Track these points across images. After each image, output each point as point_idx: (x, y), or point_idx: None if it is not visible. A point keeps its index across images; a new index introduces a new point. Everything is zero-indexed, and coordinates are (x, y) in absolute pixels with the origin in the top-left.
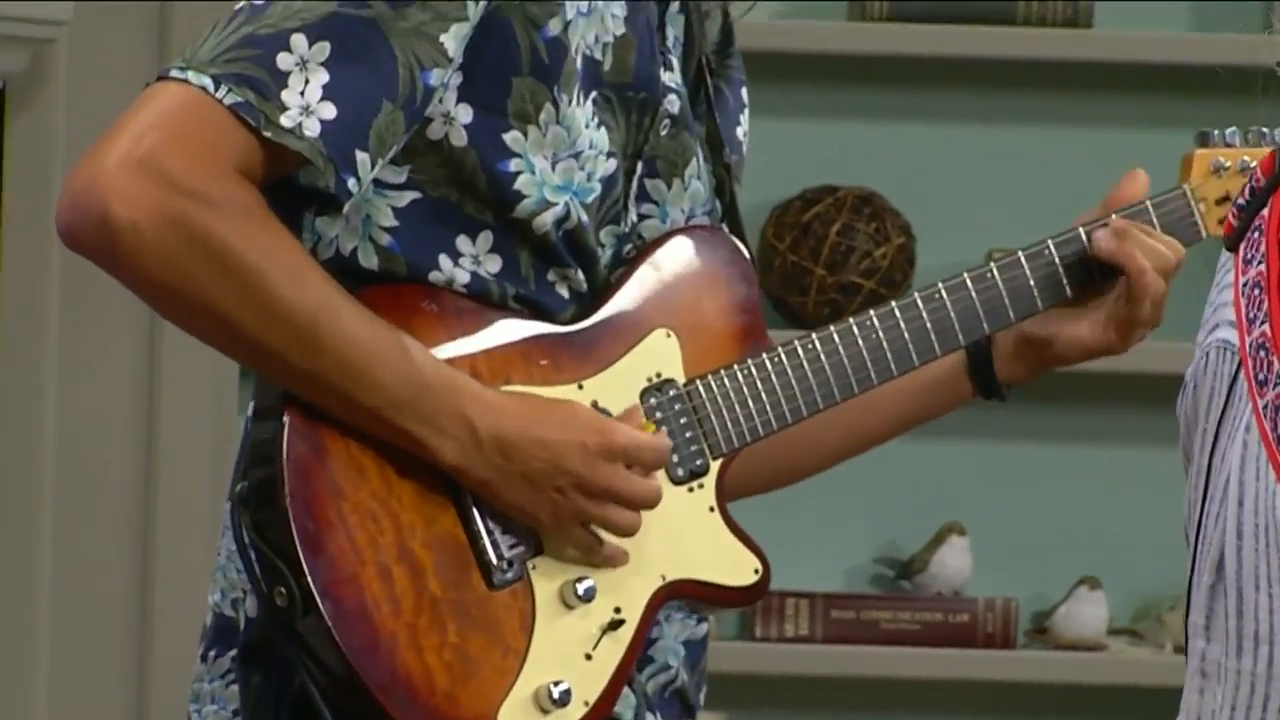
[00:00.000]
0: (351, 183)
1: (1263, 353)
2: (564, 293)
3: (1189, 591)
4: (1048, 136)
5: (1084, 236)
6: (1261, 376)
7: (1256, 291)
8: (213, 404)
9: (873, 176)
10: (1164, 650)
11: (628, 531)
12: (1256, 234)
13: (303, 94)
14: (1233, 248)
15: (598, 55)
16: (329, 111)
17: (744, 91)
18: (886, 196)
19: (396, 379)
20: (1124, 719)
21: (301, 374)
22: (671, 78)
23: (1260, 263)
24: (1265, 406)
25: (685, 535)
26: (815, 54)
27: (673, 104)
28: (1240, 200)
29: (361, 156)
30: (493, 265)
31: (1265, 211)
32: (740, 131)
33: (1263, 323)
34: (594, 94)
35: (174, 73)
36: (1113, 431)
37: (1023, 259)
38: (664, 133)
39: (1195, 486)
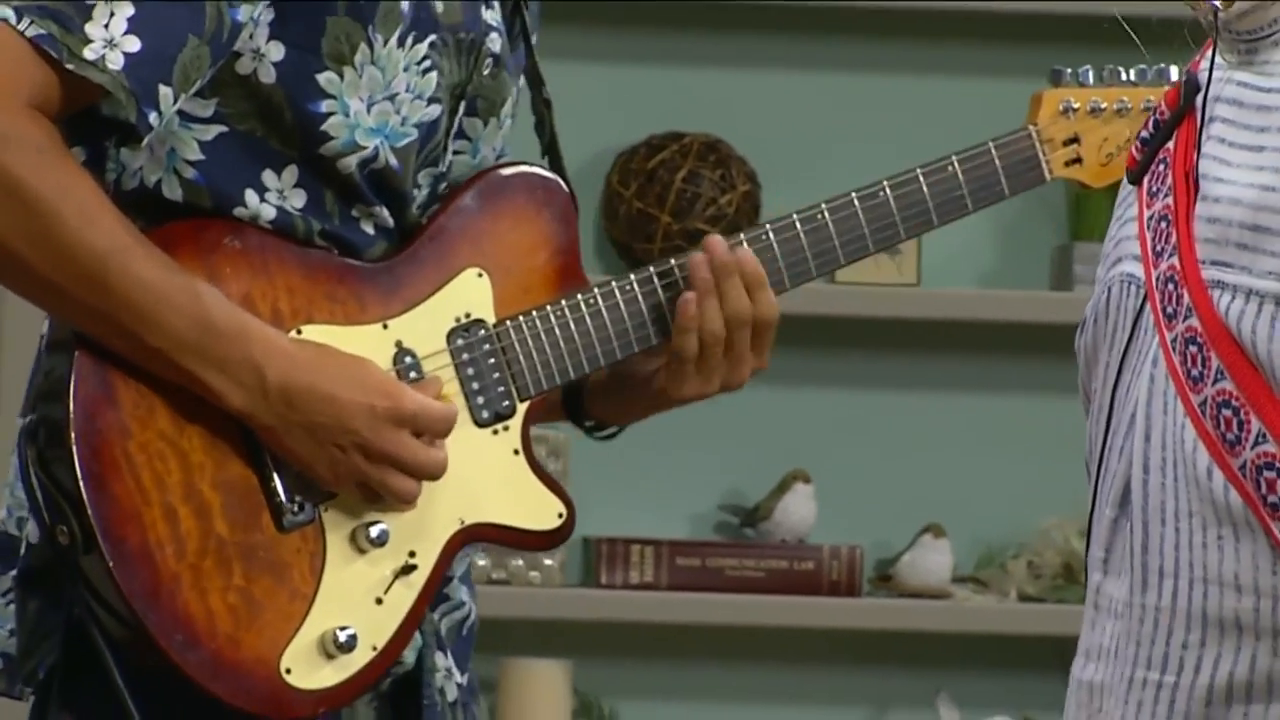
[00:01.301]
0: (153, 116)
1: (1171, 285)
2: (369, 229)
3: (1089, 525)
4: (894, 84)
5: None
6: (1170, 310)
7: (1163, 224)
8: None
9: (718, 123)
10: (1008, 598)
11: (405, 498)
12: (1161, 167)
13: (107, 27)
14: (1136, 181)
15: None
16: (133, 45)
17: (536, 11)
18: (732, 144)
19: (185, 322)
20: (968, 666)
21: (89, 313)
22: (492, 15)
23: (1167, 195)
24: (1174, 340)
25: (487, 478)
26: None
27: (494, 42)
28: (1144, 133)
29: (164, 90)
30: (298, 200)
31: (1170, 144)
32: None
33: (1170, 255)
34: (431, 38)
35: None
36: (958, 379)
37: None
38: (486, 72)
39: (1097, 421)
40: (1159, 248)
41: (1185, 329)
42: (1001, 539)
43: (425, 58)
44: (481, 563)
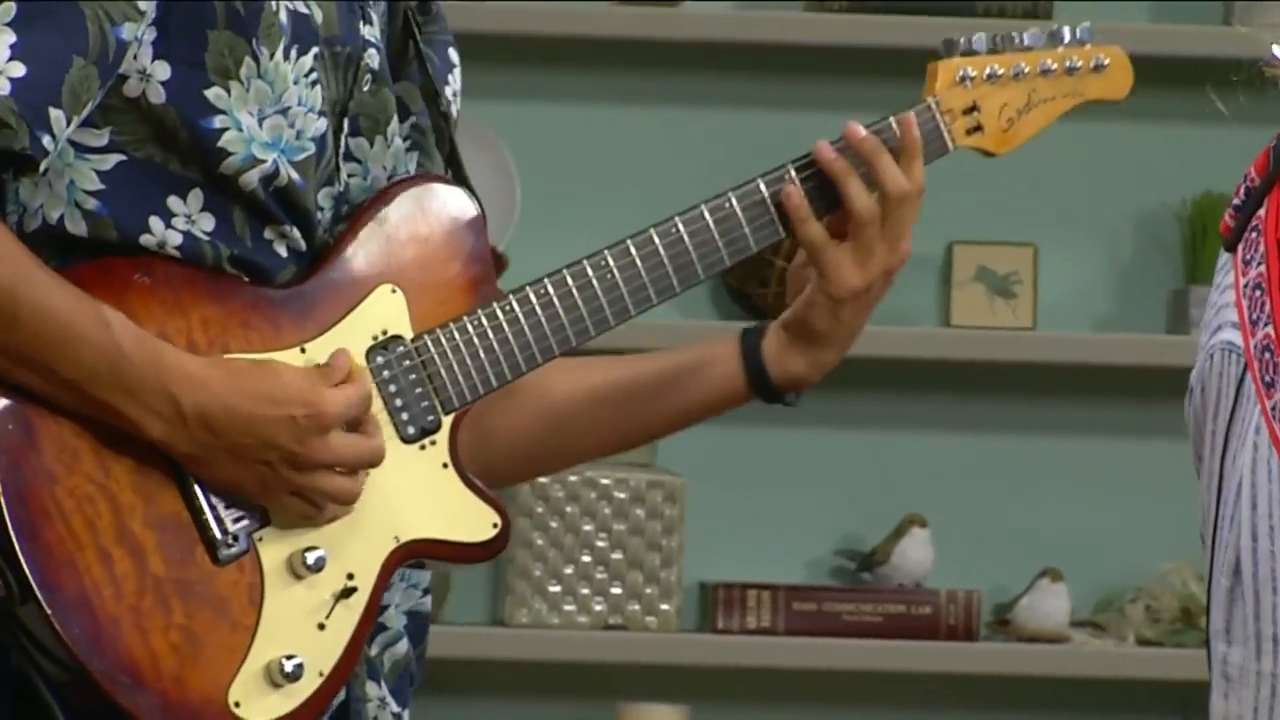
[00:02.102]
0: (47, 140)
1: (1268, 354)
2: (282, 251)
3: (1208, 594)
4: None
5: (793, 172)
6: (1268, 378)
7: (1258, 293)
8: None
9: None
10: (1126, 642)
11: (346, 499)
12: (1254, 234)
13: None
14: (1231, 248)
15: (304, 9)
16: (18, 70)
17: (451, 52)
18: None
19: (95, 353)
20: (1086, 711)
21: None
22: (371, 32)
23: (1260, 264)
24: (1274, 408)
25: (418, 494)
26: (772, 44)
27: (373, 59)
28: (1236, 200)
29: (55, 113)
30: (206, 224)
31: (1261, 211)
32: (450, 91)
33: (1266, 324)
34: (314, 50)
35: None
36: (1073, 423)
37: (732, 197)
38: (365, 89)
39: (1209, 490)
40: (1255, 316)
41: None
42: (1119, 583)
43: (312, 69)
44: (598, 608)
